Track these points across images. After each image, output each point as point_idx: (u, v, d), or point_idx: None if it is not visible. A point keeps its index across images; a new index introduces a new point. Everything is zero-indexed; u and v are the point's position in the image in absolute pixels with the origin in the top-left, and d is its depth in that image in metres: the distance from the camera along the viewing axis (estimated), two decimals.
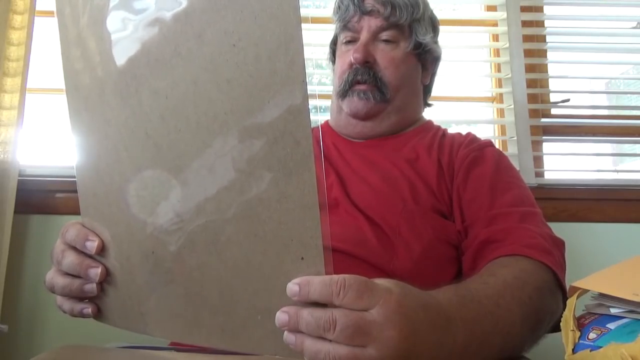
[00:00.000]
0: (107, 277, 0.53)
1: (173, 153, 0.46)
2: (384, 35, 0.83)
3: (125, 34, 0.48)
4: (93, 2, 0.51)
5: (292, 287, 0.38)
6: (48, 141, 1.28)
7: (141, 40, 0.46)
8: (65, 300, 0.55)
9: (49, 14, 1.30)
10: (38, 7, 1.22)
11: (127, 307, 0.53)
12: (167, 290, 0.49)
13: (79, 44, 0.53)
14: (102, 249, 0.52)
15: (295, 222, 0.39)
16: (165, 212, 0.47)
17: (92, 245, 0.52)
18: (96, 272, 0.52)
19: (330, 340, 0.38)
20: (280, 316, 0.39)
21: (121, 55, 0.48)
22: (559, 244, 0.68)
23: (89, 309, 0.54)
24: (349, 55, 0.83)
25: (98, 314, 0.55)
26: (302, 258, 0.39)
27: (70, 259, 0.53)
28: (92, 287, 0.52)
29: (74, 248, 0.54)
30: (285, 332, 0.39)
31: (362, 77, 0.82)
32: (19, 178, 1.13)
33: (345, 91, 0.84)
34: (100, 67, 0.51)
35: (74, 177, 0.55)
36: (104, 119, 0.51)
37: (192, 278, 0.46)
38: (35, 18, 1.20)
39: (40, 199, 1.16)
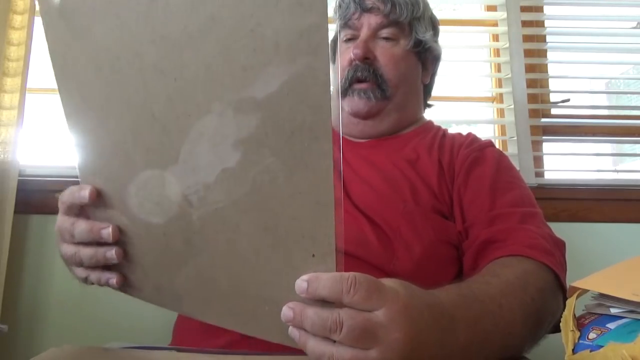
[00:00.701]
0: (124, 255, 0.53)
1: (183, 137, 0.44)
2: (384, 32, 0.83)
3: (125, 7, 0.44)
4: None
5: (301, 284, 0.38)
6: (48, 141, 1.28)
7: (145, 15, 0.42)
8: (91, 271, 0.55)
9: None
10: (38, 7, 1.22)
11: (144, 281, 0.53)
12: (179, 270, 0.49)
13: (65, 16, 0.48)
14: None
15: (308, 218, 0.38)
16: (174, 197, 0.46)
17: (85, 194, 0.52)
18: (108, 232, 0.52)
19: (334, 341, 0.38)
20: (286, 312, 0.39)
21: (120, 29, 0.44)
22: (560, 245, 0.68)
23: (114, 279, 0.54)
24: (349, 53, 0.83)
25: (123, 286, 0.55)
26: (313, 255, 0.38)
27: (81, 227, 0.53)
28: (112, 254, 0.52)
29: (83, 217, 0.54)
30: (291, 327, 0.40)
31: (361, 74, 0.82)
32: (19, 178, 1.12)
33: (345, 89, 0.84)
34: (94, 42, 0.47)
35: (74, 177, 0.55)
36: (103, 99, 0.48)
37: (202, 263, 0.46)
38: (35, 18, 1.20)
39: (40, 199, 1.16)
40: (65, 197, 0.54)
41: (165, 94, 0.43)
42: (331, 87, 0.36)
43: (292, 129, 0.37)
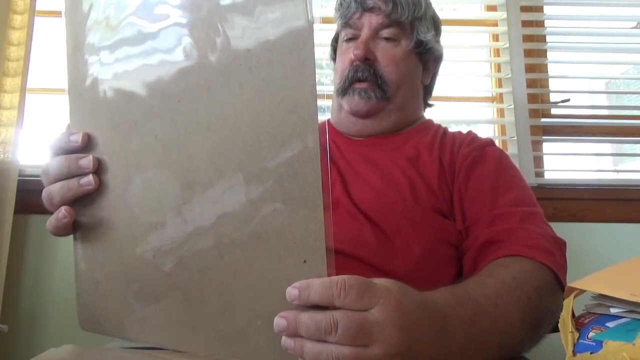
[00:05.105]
0: (101, 283, 0.52)
1: (182, 156, 0.46)
2: (385, 32, 0.83)
3: (139, 41, 0.49)
4: (108, 7, 0.51)
5: (292, 291, 0.38)
6: (48, 141, 1.28)
7: (156, 48, 0.47)
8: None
9: (49, 14, 1.31)
10: (38, 7, 1.22)
11: (122, 314, 0.52)
12: (166, 295, 0.48)
13: (88, 48, 0.53)
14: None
15: (299, 224, 0.39)
16: (170, 214, 0.47)
17: (77, 138, 0.50)
18: (88, 160, 0.49)
19: (332, 343, 0.37)
20: (279, 321, 0.38)
21: (134, 62, 0.49)
22: (560, 244, 0.67)
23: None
24: (350, 53, 0.82)
25: (89, 325, 0.54)
26: (305, 261, 0.38)
27: (56, 161, 0.50)
28: (89, 180, 0.49)
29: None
30: (284, 337, 0.39)
31: (362, 74, 0.81)
32: (19, 178, 1.13)
33: (345, 89, 0.83)
34: (110, 73, 0.51)
35: None
36: (111, 124, 0.51)
37: (193, 282, 0.46)
38: (35, 18, 1.20)
39: (40, 199, 1.16)
40: (52, 142, 0.51)
41: (169, 116, 0.47)
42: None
43: (282, 138, 0.39)
